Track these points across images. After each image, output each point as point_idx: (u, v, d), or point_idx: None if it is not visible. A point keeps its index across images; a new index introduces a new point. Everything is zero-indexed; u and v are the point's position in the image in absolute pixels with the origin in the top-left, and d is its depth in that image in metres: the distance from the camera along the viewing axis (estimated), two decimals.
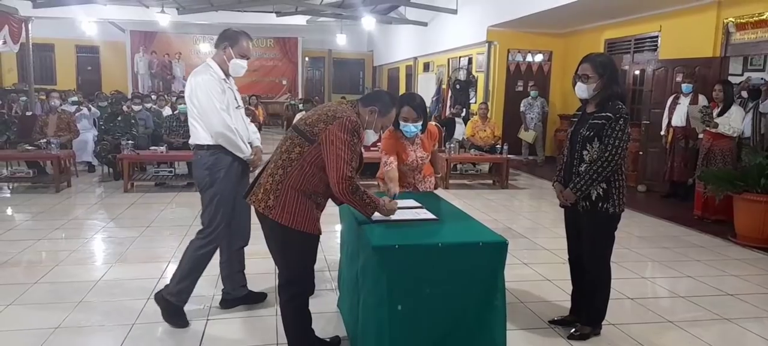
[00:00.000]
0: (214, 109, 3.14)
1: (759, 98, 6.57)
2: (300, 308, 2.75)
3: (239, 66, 3.28)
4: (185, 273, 3.29)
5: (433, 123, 3.80)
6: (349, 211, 2.95)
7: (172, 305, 3.29)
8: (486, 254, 2.45)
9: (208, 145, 3.24)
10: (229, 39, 3.26)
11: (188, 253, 3.32)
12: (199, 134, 3.25)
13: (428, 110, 13.28)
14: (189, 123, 3.32)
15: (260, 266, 3.96)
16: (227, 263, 3.53)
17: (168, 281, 4.08)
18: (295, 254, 2.64)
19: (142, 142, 8.40)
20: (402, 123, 3.45)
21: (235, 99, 3.36)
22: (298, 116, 9.96)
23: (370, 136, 2.75)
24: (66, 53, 18.70)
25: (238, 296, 3.59)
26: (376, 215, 2.71)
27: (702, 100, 6.98)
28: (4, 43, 10.87)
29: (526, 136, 10.84)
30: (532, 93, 10.84)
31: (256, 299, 3.63)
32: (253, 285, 3.69)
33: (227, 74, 3.30)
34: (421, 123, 3.47)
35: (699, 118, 6.36)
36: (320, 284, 3.97)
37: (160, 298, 3.33)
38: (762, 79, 8.10)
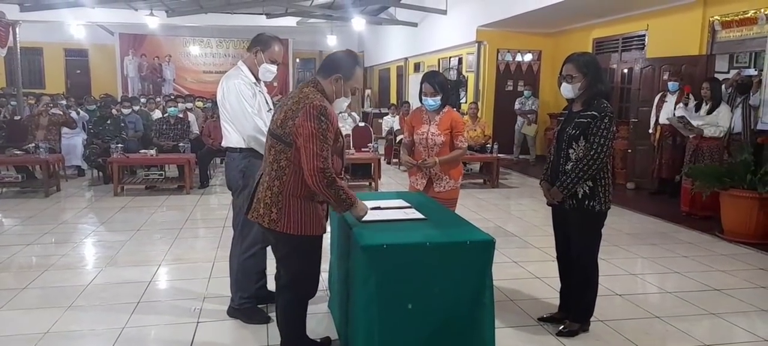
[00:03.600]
0: (246, 113, 3.16)
1: (748, 92, 6.62)
2: (299, 311, 2.72)
3: (268, 71, 3.31)
4: (241, 283, 3.36)
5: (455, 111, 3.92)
6: None
7: (244, 310, 3.36)
8: (474, 253, 2.47)
9: (240, 149, 3.27)
10: (261, 43, 3.29)
11: (234, 263, 3.37)
12: (232, 137, 3.27)
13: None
14: (221, 126, 3.37)
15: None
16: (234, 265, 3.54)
17: (163, 286, 4.08)
18: (305, 258, 2.61)
19: (131, 146, 8.37)
20: (423, 97, 3.73)
21: (266, 102, 3.38)
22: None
23: (342, 104, 2.65)
24: (55, 57, 18.57)
25: (261, 294, 3.55)
26: (368, 215, 2.72)
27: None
28: None
29: (529, 130, 10.97)
30: (526, 93, 11.01)
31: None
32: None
33: (257, 78, 3.32)
34: (439, 98, 3.69)
35: (682, 128, 6.44)
36: None
37: (232, 311, 3.40)
38: (758, 71, 8.20)
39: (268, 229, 2.51)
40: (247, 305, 3.38)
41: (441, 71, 13.47)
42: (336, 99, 2.60)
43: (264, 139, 3.14)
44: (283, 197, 2.46)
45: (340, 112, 3.03)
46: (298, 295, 2.68)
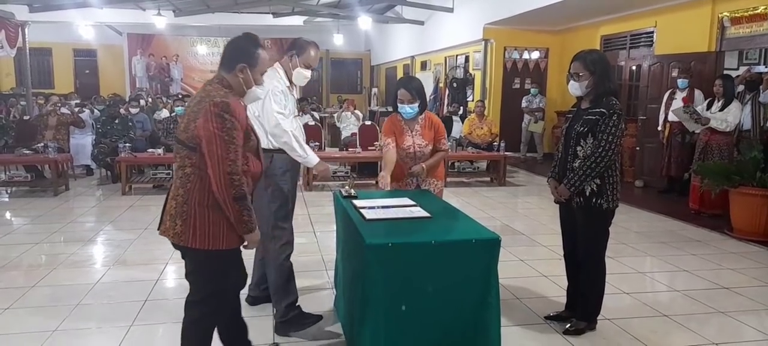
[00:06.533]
0: (271, 111, 3.14)
1: (757, 89, 6.55)
2: (206, 332, 2.43)
3: (302, 76, 3.30)
4: (283, 289, 3.23)
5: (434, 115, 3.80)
6: (344, 209, 2.96)
7: (292, 319, 3.23)
8: (479, 251, 2.46)
9: (264, 149, 3.24)
10: (297, 48, 3.29)
11: (271, 268, 3.27)
12: (261, 138, 3.25)
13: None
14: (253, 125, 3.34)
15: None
16: (262, 263, 3.47)
17: (170, 284, 4.08)
18: (212, 275, 2.34)
19: (139, 145, 8.41)
20: (399, 105, 3.55)
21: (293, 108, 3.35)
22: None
23: (257, 94, 2.42)
24: (64, 57, 18.71)
25: (263, 295, 3.53)
26: (371, 214, 2.72)
27: (698, 95, 6.99)
28: (1, 48, 10.90)
29: (536, 127, 10.92)
30: (533, 91, 10.97)
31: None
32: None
33: (291, 82, 3.32)
34: (417, 105, 3.52)
35: (688, 119, 6.37)
36: (317, 285, 3.99)
37: (279, 326, 3.24)
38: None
39: (174, 243, 2.28)
40: (293, 312, 3.24)
41: (448, 69, 13.52)
42: (247, 90, 2.35)
43: (286, 138, 3.11)
44: (188, 207, 2.21)
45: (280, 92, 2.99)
46: (207, 315, 2.40)
